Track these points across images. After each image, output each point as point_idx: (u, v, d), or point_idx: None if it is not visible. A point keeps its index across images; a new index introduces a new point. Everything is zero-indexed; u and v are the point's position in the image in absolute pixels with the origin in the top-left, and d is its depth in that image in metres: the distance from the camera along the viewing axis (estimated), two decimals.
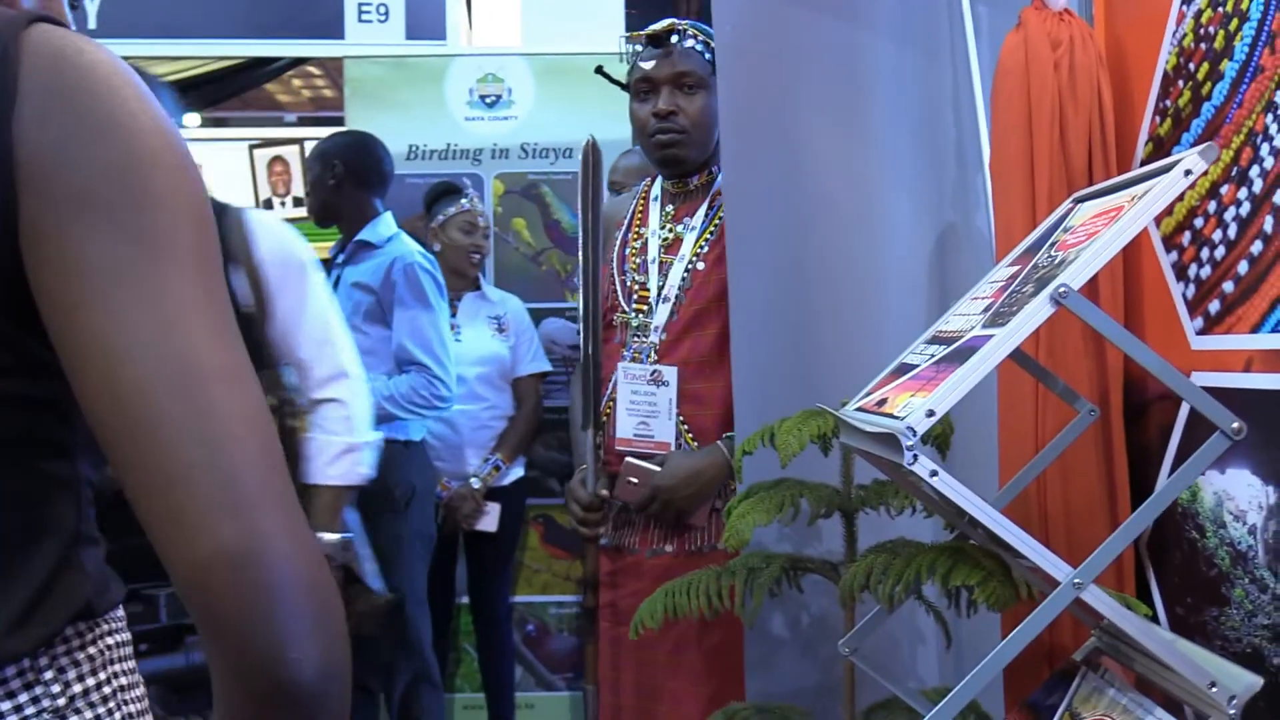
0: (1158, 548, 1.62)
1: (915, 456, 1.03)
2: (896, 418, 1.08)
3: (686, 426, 2.14)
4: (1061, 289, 1.05)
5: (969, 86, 2.10)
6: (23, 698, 0.74)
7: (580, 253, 2.28)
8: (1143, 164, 1.62)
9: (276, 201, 5.22)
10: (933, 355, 1.21)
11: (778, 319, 2.06)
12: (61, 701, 0.76)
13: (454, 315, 3.41)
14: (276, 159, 5.25)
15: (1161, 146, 1.62)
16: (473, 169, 3.83)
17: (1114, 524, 1.60)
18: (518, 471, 3.54)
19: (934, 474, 1.03)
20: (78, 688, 0.77)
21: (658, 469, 2.11)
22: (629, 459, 2.15)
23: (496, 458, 3.43)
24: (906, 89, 2.09)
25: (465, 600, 3.66)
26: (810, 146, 2.11)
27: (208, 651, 0.67)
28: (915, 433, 1.02)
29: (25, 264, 0.70)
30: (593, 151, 2.30)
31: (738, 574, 1.54)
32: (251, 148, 6.62)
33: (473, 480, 3.38)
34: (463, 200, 3.50)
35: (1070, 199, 1.42)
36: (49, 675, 0.76)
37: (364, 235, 3.18)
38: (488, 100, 3.90)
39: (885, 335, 2.05)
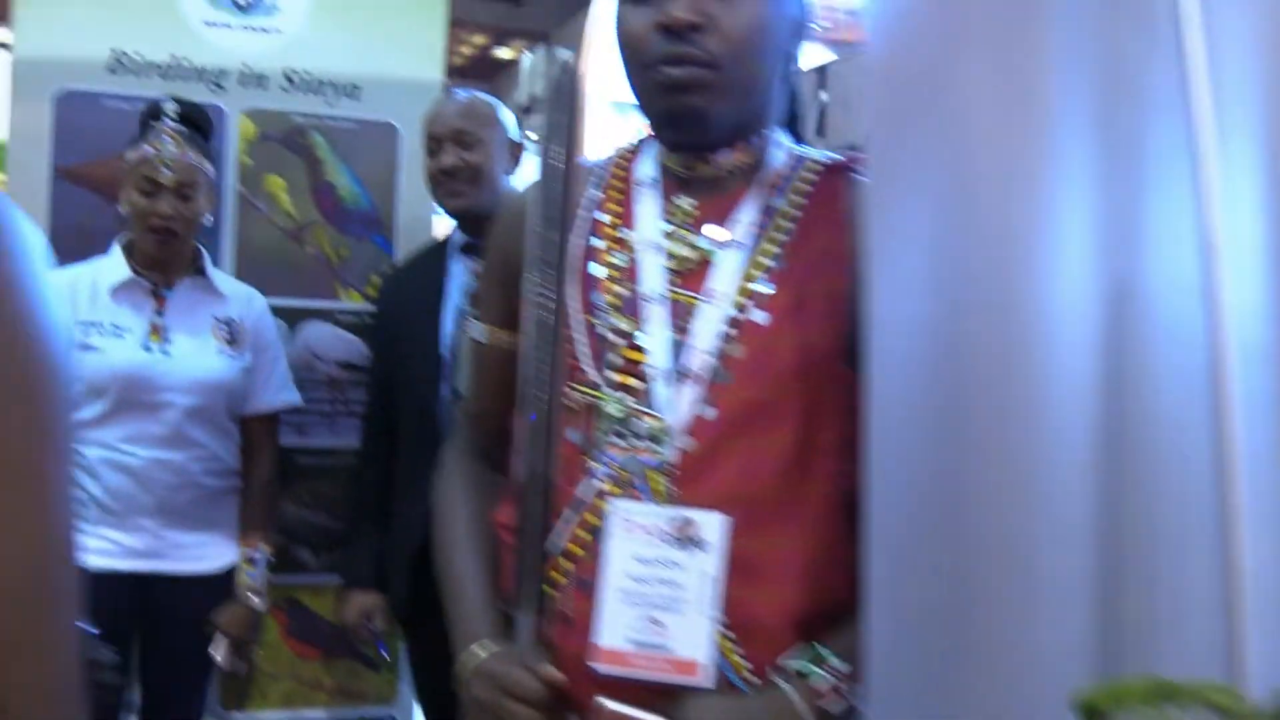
0: None
1: None
2: None
3: (727, 623, 1.17)
4: None
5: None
6: None
7: (537, 255, 1.27)
8: None
9: None
10: None
11: (933, 416, 1.17)
12: None
13: (160, 313, 2.20)
14: None
15: None
16: (212, 98, 2.62)
17: None
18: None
19: None
20: None
21: None
22: (612, 708, 1.13)
23: (262, 551, 2.28)
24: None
25: None
26: (970, 125, 1.25)
27: None
28: None
29: None
30: (568, 77, 1.29)
31: None
32: None
33: (250, 595, 2.23)
34: (144, 143, 2.21)
35: None
36: None
37: None
38: (240, 2, 2.70)
39: (1045, 417, 1.23)
